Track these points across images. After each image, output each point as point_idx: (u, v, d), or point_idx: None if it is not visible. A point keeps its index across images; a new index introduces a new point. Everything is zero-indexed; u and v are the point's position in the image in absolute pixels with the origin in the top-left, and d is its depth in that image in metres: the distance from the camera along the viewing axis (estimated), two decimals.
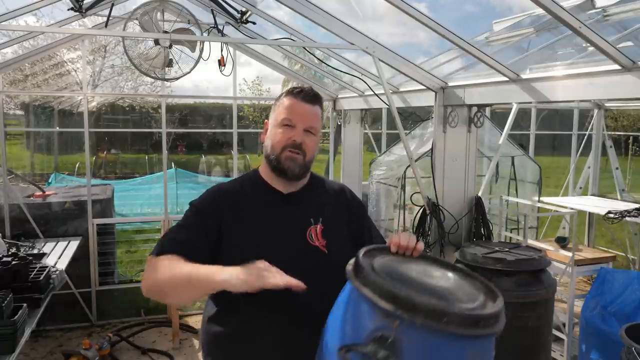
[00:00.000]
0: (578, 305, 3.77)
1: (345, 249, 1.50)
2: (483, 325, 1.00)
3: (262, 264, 1.22)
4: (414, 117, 4.43)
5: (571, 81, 2.57)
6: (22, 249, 3.69)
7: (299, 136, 1.50)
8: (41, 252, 3.79)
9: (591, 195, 5.80)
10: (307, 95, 1.54)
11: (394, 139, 5.42)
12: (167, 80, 4.51)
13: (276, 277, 1.19)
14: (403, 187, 4.32)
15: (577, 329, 3.73)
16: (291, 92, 1.55)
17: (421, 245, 1.33)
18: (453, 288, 1.16)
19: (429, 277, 1.20)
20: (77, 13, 3.83)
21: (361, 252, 1.22)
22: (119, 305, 4.93)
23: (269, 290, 1.20)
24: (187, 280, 1.31)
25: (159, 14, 3.94)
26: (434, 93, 3.45)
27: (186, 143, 18.17)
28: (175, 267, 1.34)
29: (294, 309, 1.36)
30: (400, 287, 1.04)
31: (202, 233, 1.46)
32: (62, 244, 4.28)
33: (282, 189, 1.56)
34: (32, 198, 4.89)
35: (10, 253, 3.20)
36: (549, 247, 4.10)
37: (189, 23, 4.04)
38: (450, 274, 1.24)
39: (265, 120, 1.62)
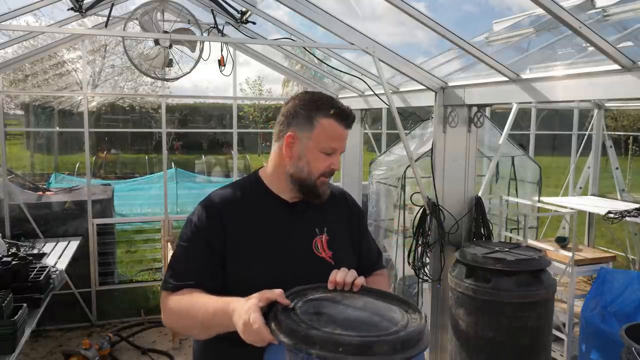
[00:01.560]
0: (578, 305, 3.78)
1: (350, 259, 1.51)
2: (378, 350, 1.02)
3: (251, 324, 1.14)
4: (414, 117, 4.43)
5: (571, 81, 2.56)
6: (22, 249, 3.70)
7: (338, 164, 1.47)
8: (41, 252, 3.80)
9: (591, 195, 5.79)
10: (350, 122, 1.47)
11: (394, 139, 5.41)
12: (167, 80, 4.51)
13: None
14: (403, 187, 4.31)
15: (577, 329, 3.73)
16: (338, 116, 1.43)
17: (360, 280, 1.31)
18: (376, 318, 1.17)
19: (355, 310, 1.21)
20: (77, 13, 3.84)
21: (290, 291, 1.23)
22: (119, 305, 4.94)
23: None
24: (207, 328, 1.32)
25: (159, 14, 3.94)
26: (434, 93, 3.45)
27: (182, 143, 18.08)
28: (193, 314, 1.33)
29: None
30: (302, 324, 1.08)
31: (208, 253, 1.41)
32: (62, 244, 4.29)
33: (287, 197, 1.50)
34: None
35: (10, 253, 3.20)
36: (549, 247, 4.11)
37: (189, 23, 4.04)
38: (381, 304, 1.25)
39: (290, 133, 1.44)
